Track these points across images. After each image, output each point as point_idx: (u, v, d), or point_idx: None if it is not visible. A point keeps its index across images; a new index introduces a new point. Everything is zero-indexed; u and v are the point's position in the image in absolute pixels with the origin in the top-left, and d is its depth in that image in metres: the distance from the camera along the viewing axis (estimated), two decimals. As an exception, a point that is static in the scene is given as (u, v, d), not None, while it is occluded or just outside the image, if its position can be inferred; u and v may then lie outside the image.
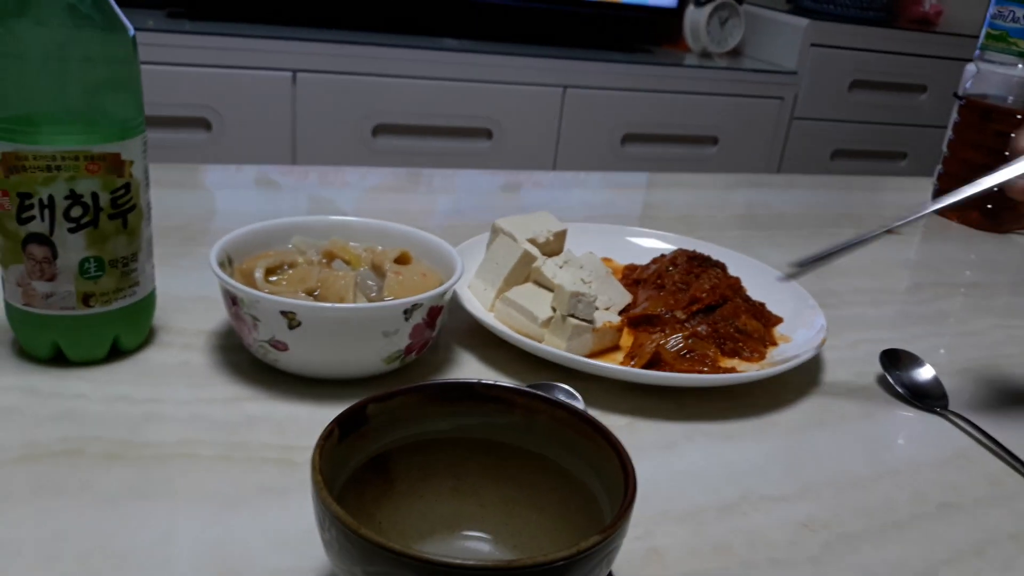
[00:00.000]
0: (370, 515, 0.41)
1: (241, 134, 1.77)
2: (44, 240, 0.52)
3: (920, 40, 2.31)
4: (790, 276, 0.71)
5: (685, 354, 0.63)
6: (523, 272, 0.68)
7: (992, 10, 1.06)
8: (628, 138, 2.09)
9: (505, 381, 0.50)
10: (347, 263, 0.62)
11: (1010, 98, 1.05)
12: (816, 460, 0.56)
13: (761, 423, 0.60)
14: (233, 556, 0.42)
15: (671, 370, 0.61)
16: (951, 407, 0.63)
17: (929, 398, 0.64)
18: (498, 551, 0.42)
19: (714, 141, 2.18)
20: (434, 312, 0.58)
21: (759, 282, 0.75)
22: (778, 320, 0.71)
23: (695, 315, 0.68)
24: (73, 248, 0.52)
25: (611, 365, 0.60)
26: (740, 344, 0.66)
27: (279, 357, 0.55)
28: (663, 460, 0.54)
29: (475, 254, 0.72)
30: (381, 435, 0.41)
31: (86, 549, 0.41)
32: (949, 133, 1.13)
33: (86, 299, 0.54)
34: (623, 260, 0.80)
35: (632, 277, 0.75)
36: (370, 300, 0.59)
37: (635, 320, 0.68)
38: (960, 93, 1.10)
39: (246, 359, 0.59)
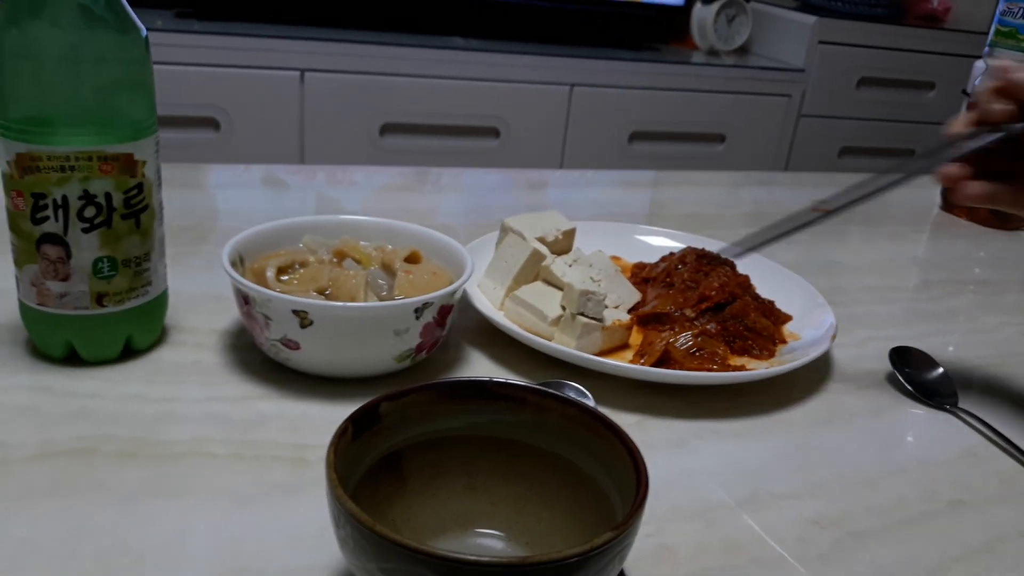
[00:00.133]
0: (383, 513, 0.41)
1: (249, 134, 1.77)
2: (58, 240, 0.52)
3: (928, 37, 2.30)
4: (736, 254, 0.69)
5: (694, 352, 0.63)
6: (532, 271, 0.68)
7: (1002, 6, 1.06)
8: (635, 136, 2.09)
9: (515, 379, 0.50)
10: (358, 262, 0.63)
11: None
12: (826, 457, 0.56)
13: (771, 421, 0.60)
14: (247, 553, 0.42)
15: (681, 368, 0.61)
16: (961, 404, 0.63)
17: (939, 395, 0.64)
18: (510, 548, 0.42)
19: (722, 139, 2.18)
20: (444, 311, 0.58)
21: (768, 280, 0.75)
22: (787, 318, 0.71)
23: (704, 313, 0.68)
24: (87, 248, 0.53)
25: (621, 363, 0.60)
26: (749, 342, 0.66)
27: (291, 356, 0.56)
28: (673, 457, 0.54)
29: (484, 253, 0.72)
30: (394, 433, 0.42)
31: (102, 547, 0.42)
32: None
33: (99, 299, 0.54)
34: (632, 258, 0.80)
35: (641, 275, 0.75)
36: (381, 299, 0.59)
37: (644, 318, 0.68)
38: (969, 90, 1.10)
39: (258, 358, 0.59)
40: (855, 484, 0.53)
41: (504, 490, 0.44)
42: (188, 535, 0.43)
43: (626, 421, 0.57)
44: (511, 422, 0.43)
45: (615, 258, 0.79)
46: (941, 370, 0.67)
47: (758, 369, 0.63)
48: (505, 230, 0.71)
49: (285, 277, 0.60)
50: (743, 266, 0.74)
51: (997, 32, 1.06)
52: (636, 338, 0.67)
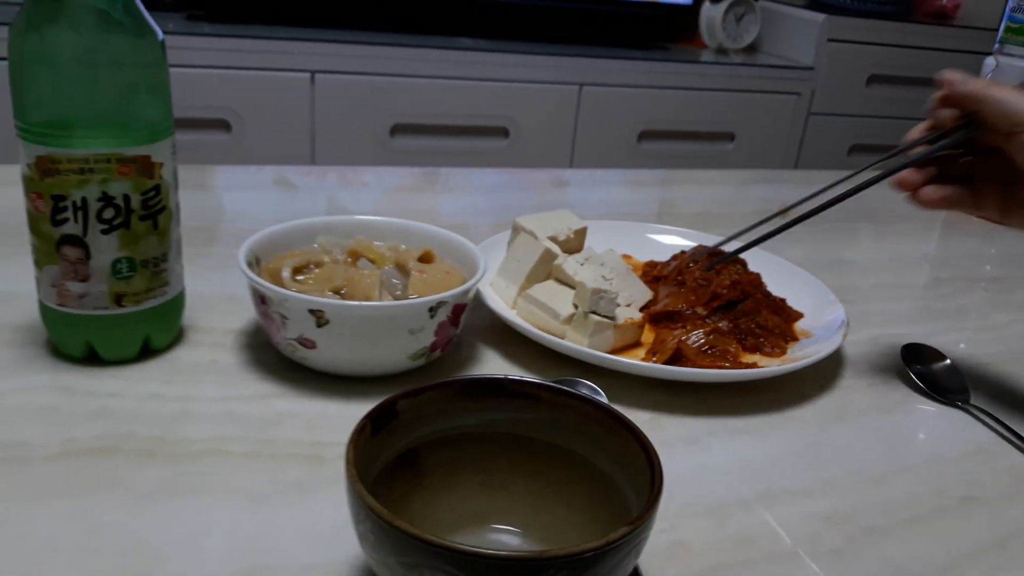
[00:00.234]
0: (401, 509, 0.41)
1: (260, 135, 1.78)
2: (78, 241, 0.53)
3: (938, 34, 2.29)
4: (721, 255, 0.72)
5: (706, 350, 0.64)
6: (544, 269, 0.68)
7: (1012, 3, 1.06)
8: (645, 135, 2.09)
9: (528, 377, 0.51)
10: (372, 262, 0.63)
11: (1030, 92, 1.05)
12: (838, 454, 0.56)
13: (783, 418, 0.60)
14: (264, 551, 0.43)
15: (693, 366, 0.62)
16: (972, 401, 0.63)
17: (950, 392, 0.65)
18: (527, 544, 0.43)
19: (731, 137, 2.18)
20: (458, 310, 0.58)
21: (779, 278, 0.75)
22: (798, 315, 0.72)
23: (716, 311, 0.68)
24: (106, 249, 0.54)
25: (633, 361, 0.61)
26: (761, 339, 0.67)
27: (307, 355, 0.56)
28: (686, 455, 0.55)
29: (496, 252, 0.72)
30: (411, 430, 0.42)
31: (122, 545, 0.42)
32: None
33: (118, 299, 0.55)
34: (643, 257, 0.81)
35: (652, 274, 0.76)
36: (395, 298, 0.60)
37: (656, 316, 0.68)
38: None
39: (274, 357, 0.60)
40: (867, 481, 0.54)
41: (521, 487, 0.44)
42: (206, 533, 0.44)
43: (640, 418, 0.58)
44: (527, 419, 0.44)
45: (626, 257, 0.80)
46: (952, 367, 0.67)
47: (770, 366, 0.63)
48: (517, 229, 0.72)
49: (300, 277, 0.60)
50: (754, 264, 0.74)
51: (1007, 29, 1.06)
52: (648, 336, 0.67)
